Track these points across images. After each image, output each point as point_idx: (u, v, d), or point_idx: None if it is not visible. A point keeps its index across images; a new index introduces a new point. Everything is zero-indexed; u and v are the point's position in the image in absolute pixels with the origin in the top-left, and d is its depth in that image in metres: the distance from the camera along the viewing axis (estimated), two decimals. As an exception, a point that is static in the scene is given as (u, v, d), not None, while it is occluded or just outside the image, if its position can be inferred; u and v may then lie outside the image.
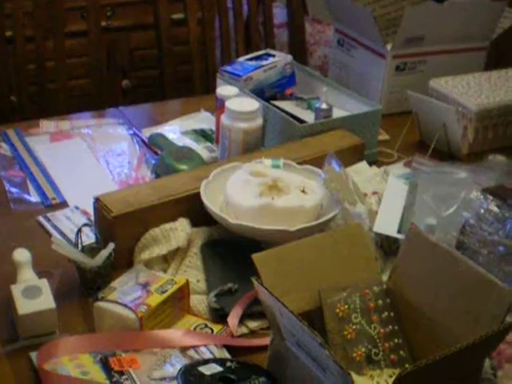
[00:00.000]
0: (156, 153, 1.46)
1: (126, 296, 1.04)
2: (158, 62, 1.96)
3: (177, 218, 1.19)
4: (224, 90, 1.41)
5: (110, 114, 1.66)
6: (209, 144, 1.48)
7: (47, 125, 1.56)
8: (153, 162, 1.43)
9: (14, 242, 1.22)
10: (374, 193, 1.32)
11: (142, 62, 2.38)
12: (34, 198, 1.34)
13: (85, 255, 1.11)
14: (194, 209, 1.20)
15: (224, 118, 1.35)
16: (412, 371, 0.77)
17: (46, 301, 1.03)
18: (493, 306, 0.88)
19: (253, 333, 1.07)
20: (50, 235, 1.23)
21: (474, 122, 1.53)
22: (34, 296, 1.03)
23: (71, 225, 1.26)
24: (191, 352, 1.01)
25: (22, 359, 1.01)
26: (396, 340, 0.97)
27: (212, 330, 1.06)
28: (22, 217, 1.30)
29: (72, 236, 1.20)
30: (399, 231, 1.20)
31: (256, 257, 0.92)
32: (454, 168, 1.20)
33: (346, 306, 0.94)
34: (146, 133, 1.53)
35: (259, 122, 1.35)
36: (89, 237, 1.20)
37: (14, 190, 1.35)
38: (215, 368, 0.93)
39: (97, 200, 1.18)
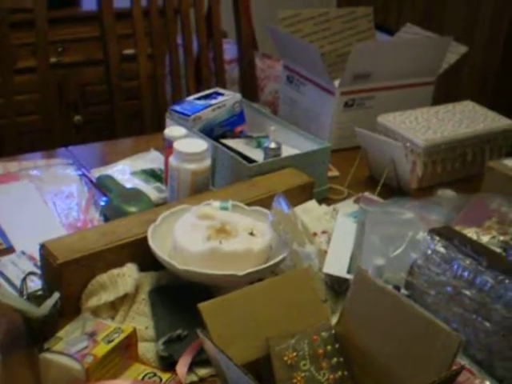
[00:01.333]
0: (105, 194, 1.45)
1: (72, 346, 1.02)
2: (109, 97, 1.95)
3: (125, 263, 1.17)
4: (172, 130, 1.41)
5: (60, 154, 1.64)
6: (158, 184, 1.47)
7: (-6, 166, 1.54)
8: (101, 203, 1.42)
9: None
10: (324, 232, 1.32)
11: (94, 97, 2.37)
12: (-21, 244, 1.31)
13: (31, 304, 1.09)
14: (142, 253, 1.18)
15: (172, 160, 1.34)
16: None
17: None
18: (440, 351, 0.89)
19: (202, 380, 1.06)
20: (-6, 282, 1.21)
21: (423, 157, 1.55)
22: (-23, 347, 1.01)
23: (18, 271, 1.23)
24: (138, 404, 1.00)
25: (-35, 416, 0.98)
26: (346, 385, 0.97)
27: (160, 379, 1.05)
28: (-33, 264, 1.27)
29: (18, 283, 1.18)
30: (349, 271, 1.20)
31: (202, 306, 0.91)
32: (401, 208, 1.21)
33: (295, 354, 0.94)
34: (96, 173, 1.52)
35: (207, 162, 1.35)
36: (35, 283, 1.18)
37: (-42, 236, 1.33)
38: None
39: (42, 246, 1.16)
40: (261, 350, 0.93)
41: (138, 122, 1.97)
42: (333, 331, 0.98)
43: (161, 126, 1.58)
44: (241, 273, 1.09)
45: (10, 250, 1.31)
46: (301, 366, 0.94)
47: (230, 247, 1.13)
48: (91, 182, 1.50)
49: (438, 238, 1.06)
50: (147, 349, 1.09)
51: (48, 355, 1.01)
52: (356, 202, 1.47)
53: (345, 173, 1.59)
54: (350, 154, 1.63)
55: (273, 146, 1.44)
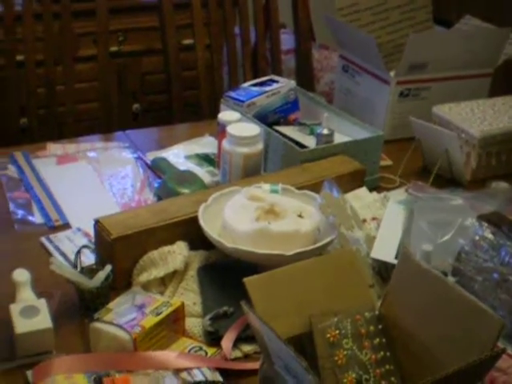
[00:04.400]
0: (159, 176, 1.48)
1: (121, 317, 1.05)
2: (167, 86, 1.99)
3: (175, 241, 1.20)
4: (226, 115, 1.43)
5: (116, 138, 1.68)
6: (211, 168, 1.50)
7: (54, 148, 1.59)
8: (155, 185, 1.45)
9: (16, 262, 1.23)
10: (374, 219, 1.33)
11: (153, 86, 2.41)
12: (37, 219, 1.36)
13: (84, 276, 1.13)
14: (192, 232, 1.21)
15: (225, 143, 1.37)
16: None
17: (43, 320, 1.04)
18: (482, 334, 0.88)
19: (246, 357, 1.08)
20: (51, 256, 1.26)
21: (477, 148, 1.53)
22: (32, 315, 1.05)
23: (73, 246, 1.27)
24: (184, 374, 1.02)
25: (18, 377, 1.02)
26: (387, 366, 0.97)
27: (206, 353, 1.07)
28: (25, 238, 1.31)
29: (73, 257, 1.22)
30: (397, 257, 1.20)
31: (248, 281, 0.93)
32: (451, 195, 1.20)
33: (337, 332, 0.95)
34: (151, 157, 1.55)
35: (260, 147, 1.37)
36: (89, 258, 1.22)
37: (18, 211, 1.38)
38: (206, 388, 0.94)
39: (97, 222, 1.20)
40: (303, 326, 0.94)
41: (195, 111, 2.00)
42: (376, 312, 0.99)
43: (217, 114, 1.61)
44: (288, 253, 1.11)
45: (66, 226, 1.35)
46: (343, 344, 0.95)
47: (278, 228, 1.14)
48: (146, 164, 1.54)
49: (486, 225, 1.06)
50: (194, 324, 1.11)
51: (98, 325, 1.04)
52: (407, 191, 1.47)
53: (398, 163, 1.59)
54: (404, 145, 1.62)
55: (325, 132, 1.45)
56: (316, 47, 2.13)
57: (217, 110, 1.87)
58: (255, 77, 1.96)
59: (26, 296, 1.09)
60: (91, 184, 1.48)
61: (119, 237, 1.17)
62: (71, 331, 1.11)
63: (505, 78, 1.80)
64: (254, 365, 1.04)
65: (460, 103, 1.63)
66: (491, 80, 1.76)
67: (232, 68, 2.02)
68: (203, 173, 1.47)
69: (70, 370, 1.00)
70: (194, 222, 1.21)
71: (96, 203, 1.41)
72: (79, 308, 1.15)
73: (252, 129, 1.37)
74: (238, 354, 1.08)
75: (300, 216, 1.19)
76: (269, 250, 1.12)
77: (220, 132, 1.42)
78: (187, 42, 2.04)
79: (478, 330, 0.89)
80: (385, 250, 1.22)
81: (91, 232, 1.29)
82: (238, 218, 1.17)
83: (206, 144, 1.61)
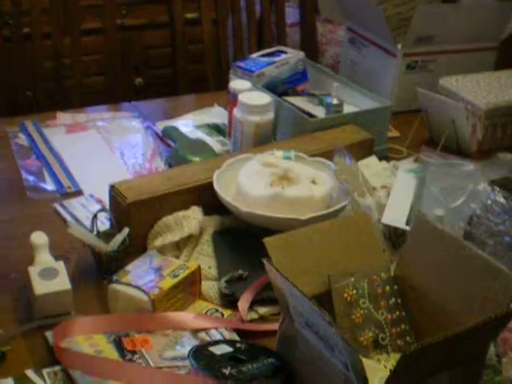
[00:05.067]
0: (169, 145, 1.49)
1: (139, 279, 1.07)
2: (172, 60, 1.99)
3: (189, 206, 1.21)
4: (237, 84, 1.44)
5: (125, 108, 1.69)
6: (221, 138, 1.51)
7: (63, 117, 1.59)
8: (166, 153, 1.46)
9: (31, 227, 1.25)
10: (383, 187, 1.34)
11: (156, 60, 2.41)
12: (49, 186, 1.37)
13: (100, 240, 1.14)
14: (206, 198, 1.22)
15: (236, 112, 1.38)
16: (416, 351, 0.79)
17: (61, 282, 1.06)
18: (498, 293, 0.90)
19: (262, 318, 1.10)
20: (65, 221, 1.27)
21: (483, 120, 1.55)
22: (51, 277, 1.06)
23: (86, 212, 1.28)
24: (202, 334, 1.03)
25: (37, 338, 1.03)
26: (403, 326, 0.99)
27: (222, 315, 1.09)
28: (39, 204, 1.33)
29: (87, 223, 1.23)
30: (407, 223, 1.22)
31: (267, 241, 0.94)
32: (463, 161, 1.22)
33: (354, 291, 0.96)
34: (160, 126, 1.56)
35: (271, 115, 1.38)
36: (103, 223, 1.23)
37: (30, 178, 1.38)
38: (225, 348, 0.95)
39: (112, 187, 1.21)
40: (322, 285, 0.96)
41: (201, 85, 2.00)
42: (391, 273, 1.01)
43: (223, 87, 1.62)
44: (303, 217, 1.12)
45: (78, 193, 1.36)
46: (360, 303, 0.97)
47: (292, 193, 1.16)
48: (156, 133, 1.55)
49: (498, 189, 1.08)
50: (210, 287, 1.13)
51: (116, 286, 1.06)
52: (416, 160, 1.49)
53: (404, 134, 1.60)
54: (410, 117, 1.64)
55: (335, 102, 1.46)
56: (320, 21, 2.14)
57: (223, 84, 1.88)
58: (260, 50, 1.97)
59: (45, 258, 1.10)
60: (102, 152, 1.49)
61: (134, 201, 1.18)
62: (89, 293, 1.12)
63: (510, 51, 1.81)
64: (270, 326, 1.05)
65: (466, 75, 1.65)
66: (497, 53, 1.78)
67: (237, 41, 2.02)
68: (213, 142, 1.48)
69: (89, 331, 1.01)
70: (208, 187, 1.22)
71: (107, 171, 1.42)
72: (95, 271, 1.16)
73: (263, 97, 1.38)
74: (253, 315, 1.09)
75: (313, 182, 1.20)
76: (283, 214, 1.14)
77: (231, 101, 1.43)
78: (192, 15, 2.04)
79: (492, 289, 0.91)
80: (395, 216, 1.24)
81: (104, 199, 1.31)
82: (252, 183, 1.19)
83: (216, 114, 1.62)
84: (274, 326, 1.05)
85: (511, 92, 1.60)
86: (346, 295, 0.96)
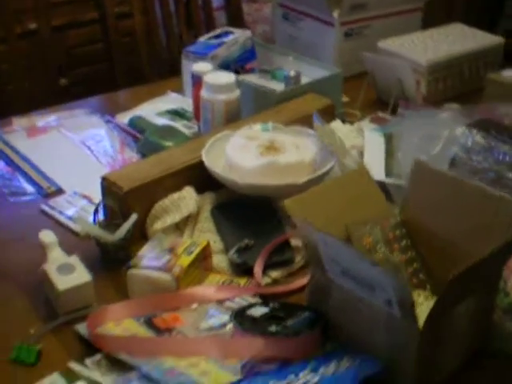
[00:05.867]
0: (135, 136, 1.51)
1: (156, 261, 1.09)
2: (107, 55, 1.99)
3: (181, 187, 1.24)
4: (200, 66, 1.48)
5: (75, 106, 1.68)
6: (185, 122, 1.54)
7: (19, 121, 1.57)
8: (136, 143, 1.47)
9: (24, 230, 1.25)
10: (353, 147, 1.41)
11: (79, 60, 2.39)
12: (28, 189, 1.36)
13: (105, 231, 1.16)
14: (196, 177, 1.25)
15: (204, 93, 1.41)
16: (454, 280, 0.86)
17: (81, 275, 1.07)
18: (502, 219, 0.99)
19: (275, 282, 1.15)
20: (55, 221, 1.27)
21: (426, 75, 1.65)
22: (69, 272, 1.07)
23: (75, 208, 1.29)
24: (228, 303, 1.07)
25: (67, 333, 1.04)
26: (415, 265, 1.07)
27: (239, 284, 1.13)
28: (24, 207, 1.32)
29: (81, 218, 1.25)
30: (387, 175, 1.30)
31: (287, 203, 0.99)
32: (434, 111, 1.31)
33: (371, 238, 1.03)
34: (120, 118, 1.57)
35: (237, 92, 1.42)
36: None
37: (6, 184, 1.37)
38: (261, 310, 0.99)
39: (104, 179, 1.22)
40: (342, 236, 1.02)
41: (137, 76, 2.01)
42: (398, 218, 1.08)
43: (163, 76, 1.65)
44: (299, 181, 1.18)
45: (59, 191, 1.36)
46: (377, 249, 1.04)
47: (284, 160, 1.21)
48: (118, 126, 1.55)
49: (475, 131, 1.17)
50: (219, 260, 1.17)
51: (136, 271, 1.08)
52: (372, 121, 1.57)
53: (353, 98, 1.68)
54: (354, 82, 1.71)
55: (292, 73, 1.52)
56: (245, 1, 2.19)
57: (162, 72, 1.91)
58: (191, 34, 2.01)
59: (58, 255, 1.11)
60: (69, 150, 1.49)
61: (130, 189, 1.19)
62: (102, 284, 1.13)
63: (434, 10, 1.92)
64: (288, 287, 1.11)
65: (401, 37, 1.74)
66: (422, 13, 1.88)
67: (169, 28, 2.04)
68: (179, 126, 1.51)
69: (122, 316, 1.03)
70: (196, 167, 1.25)
71: (82, 167, 1.43)
72: (101, 262, 1.17)
73: (227, 76, 1.42)
74: (267, 280, 1.14)
75: (297, 148, 1.26)
76: (279, 181, 1.19)
77: (195, 83, 1.46)
78: (120, 9, 2.05)
79: (494, 214, 0.99)
80: (374, 170, 1.31)
81: (88, 194, 1.32)
82: (241, 156, 1.23)
83: (171, 100, 1.64)
84: (291, 287, 1.11)
85: (445, 47, 1.71)
86: (364, 243, 1.02)
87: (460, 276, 0.86)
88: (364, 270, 0.88)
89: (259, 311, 0.99)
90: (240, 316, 0.98)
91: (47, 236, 1.12)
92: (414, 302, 0.85)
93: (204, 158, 1.24)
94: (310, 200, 1.02)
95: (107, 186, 1.22)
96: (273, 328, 0.94)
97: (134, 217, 1.14)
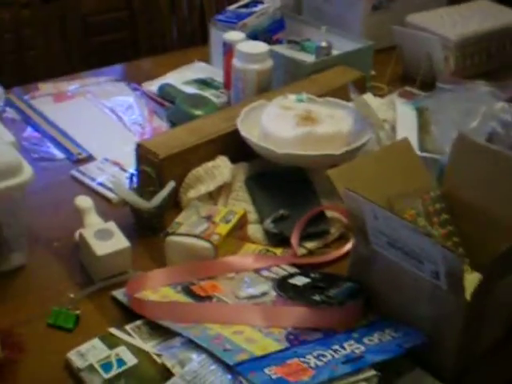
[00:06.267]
0: (163, 104, 1.49)
1: (194, 228, 1.08)
2: (130, 22, 1.97)
3: (215, 156, 1.23)
4: (231, 35, 1.46)
5: (99, 73, 1.67)
6: (214, 91, 1.53)
7: (46, 87, 1.56)
8: (166, 111, 1.46)
9: (55, 196, 1.24)
10: (384, 121, 1.40)
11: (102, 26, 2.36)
12: (58, 155, 1.35)
13: (140, 197, 1.15)
14: (230, 146, 1.25)
15: (236, 62, 1.40)
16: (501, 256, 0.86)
17: (120, 241, 1.06)
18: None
19: (311, 253, 1.14)
20: (86, 188, 1.26)
21: (454, 51, 1.63)
22: (107, 238, 1.06)
23: (106, 175, 1.28)
24: (265, 273, 1.07)
25: (104, 299, 1.04)
26: (454, 239, 1.06)
27: (275, 254, 1.12)
28: (54, 173, 1.31)
29: (110, 185, 1.24)
30: (421, 150, 1.29)
31: (331, 173, 0.99)
32: (473, 85, 1.30)
33: (413, 211, 1.03)
34: (147, 86, 1.56)
35: (270, 62, 1.41)
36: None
37: (35, 149, 1.36)
38: (303, 279, 0.99)
39: (139, 146, 1.21)
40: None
41: (162, 44, 1.99)
42: (438, 192, 1.07)
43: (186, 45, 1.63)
44: (338, 152, 1.17)
45: (89, 158, 1.35)
46: (418, 222, 1.03)
47: (322, 130, 1.20)
48: (145, 93, 1.54)
49: (515, 106, 1.16)
50: (254, 230, 1.16)
51: (175, 238, 1.07)
52: (401, 95, 1.55)
53: (379, 72, 1.66)
54: (380, 55, 1.70)
55: (324, 44, 1.51)
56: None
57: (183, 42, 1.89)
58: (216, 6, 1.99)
59: (94, 220, 1.10)
60: (97, 117, 1.47)
61: (166, 157, 1.19)
62: (136, 251, 1.11)
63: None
64: (325, 257, 1.11)
65: (429, 12, 1.73)
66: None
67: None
68: (208, 96, 1.49)
69: (161, 283, 1.03)
70: (230, 136, 1.24)
71: (111, 134, 1.42)
72: (135, 230, 1.16)
73: (261, 46, 1.41)
74: (303, 251, 1.13)
75: (334, 119, 1.25)
76: (316, 151, 1.18)
77: (226, 52, 1.45)
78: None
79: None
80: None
81: (119, 161, 1.31)
82: (278, 126, 1.22)
83: (199, 69, 1.62)
84: (328, 257, 1.11)
85: (473, 23, 1.70)
86: (406, 216, 1.02)
87: (508, 252, 0.85)
88: (413, 241, 0.88)
89: (301, 281, 0.99)
90: (283, 285, 0.98)
91: (84, 201, 1.11)
92: (463, 274, 0.85)
93: (239, 127, 1.23)
94: (352, 171, 1.02)
95: (142, 153, 1.21)
96: (317, 297, 0.94)
97: (171, 185, 1.14)
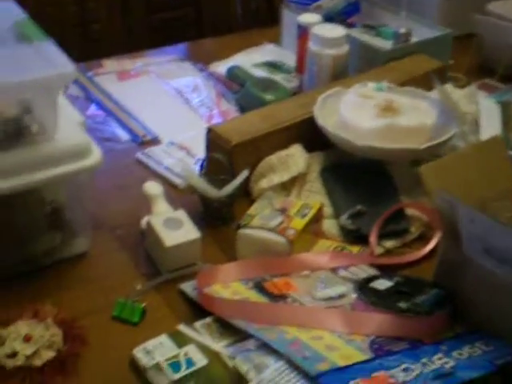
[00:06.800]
0: (231, 87, 1.43)
1: (268, 221, 1.02)
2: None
3: (288, 145, 1.17)
4: (306, 17, 1.39)
5: (162, 52, 1.61)
6: (284, 75, 1.46)
7: (110, 64, 1.51)
8: (232, 95, 1.40)
9: (121, 179, 1.19)
10: (466, 114, 1.32)
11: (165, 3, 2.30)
12: (122, 136, 1.30)
13: (210, 186, 1.09)
14: (305, 135, 1.18)
15: (312, 45, 1.32)
16: None
17: (189, 231, 1.01)
18: None
19: (388, 252, 1.07)
20: (152, 172, 1.21)
21: (539, 42, 1.54)
22: (176, 227, 1.01)
23: (173, 160, 1.22)
24: (342, 273, 1.00)
25: (170, 291, 0.98)
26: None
27: (351, 252, 1.06)
28: (119, 154, 1.26)
29: (177, 170, 1.18)
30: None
31: (423, 169, 0.92)
32: None
33: (509, 214, 0.95)
34: (214, 68, 1.49)
35: (346, 48, 1.34)
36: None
37: (99, 128, 1.31)
38: (385, 283, 0.92)
39: (210, 130, 1.15)
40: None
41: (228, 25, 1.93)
42: (533, 195, 0.99)
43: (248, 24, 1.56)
44: (421, 146, 1.09)
45: (155, 141, 1.29)
46: (512, 224, 0.96)
47: (405, 122, 1.13)
48: (211, 75, 1.48)
49: None
50: (329, 225, 1.09)
51: (248, 231, 1.01)
52: (479, 88, 1.47)
53: (456, 62, 1.57)
54: (456, 44, 1.61)
55: (403, 31, 1.43)
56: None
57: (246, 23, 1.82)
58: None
59: (163, 208, 1.05)
60: (163, 97, 1.42)
61: (239, 143, 1.12)
62: (206, 241, 1.06)
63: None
64: (407, 257, 1.04)
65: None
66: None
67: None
68: (279, 79, 1.43)
69: (232, 277, 0.97)
70: (305, 124, 1.18)
71: (176, 116, 1.36)
72: (204, 218, 1.10)
73: (337, 30, 1.33)
74: (380, 250, 1.07)
75: (416, 111, 1.17)
76: (397, 144, 1.11)
77: (301, 35, 1.38)
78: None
79: None
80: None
81: (186, 145, 1.26)
82: (357, 116, 1.15)
83: (268, 52, 1.56)
84: (408, 258, 1.04)
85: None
86: (501, 218, 0.94)
87: None
88: (514, 249, 0.80)
89: (383, 284, 0.92)
90: (364, 288, 0.91)
91: (153, 187, 1.06)
92: None
93: (316, 115, 1.16)
94: (444, 168, 0.95)
95: (213, 138, 1.15)
96: (403, 304, 0.87)
97: (245, 173, 1.07)
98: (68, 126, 0.96)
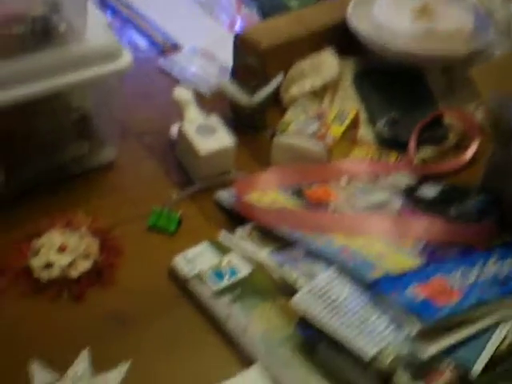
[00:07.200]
0: (251, -5, 1.36)
1: (304, 129, 0.98)
2: None
3: (321, 49, 1.12)
4: None
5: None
6: (306, -20, 1.39)
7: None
8: (253, 1, 1.33)
9: (145, 87, 1.14)
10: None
11: None
12: (141, 44, 1.24)
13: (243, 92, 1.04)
14: (336, 40, 1.13)
15: None
16: None
17: (223, 138, 0.97)
18: None
19: (425, 160, 1.04)
20: (175, 80, 1.16)
21: None
22: (210, 134, 0.97)
23: (196, 67, 1.17)
24: (382, 181, 0.97)
25: (204, 200, 0.95)
26: None
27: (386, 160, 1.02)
28: (140, 63, 1.18)
29: (204, 77, 1.14)
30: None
31: (474, 71, 0.87)
32: None
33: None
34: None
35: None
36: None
37: (118, 37, 1.24)
38: (433, 191, 0.90)
39: (238, 35, 1.10)
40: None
41: None
42: None
43: None
44: (462, 52, 1.05)
45: (175, 47, 1.23)
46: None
47: (442, 26, 1.08)
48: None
49: None
50: (365, 132, 1.06)
51: (285, 139, 0.97)
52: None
53: None
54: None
55: None
56: None
57: None
58: None
59: (195, 115, 1.00)
60: (181, 3, 1.35)
61: (270, 46, 1.07)
62: (238, 149, 1.01)
63: None
64: (452, 165, 1.01)
65: None
66: None
67: None
68: (301, -15, 1.36)
69: (268, 185, 0.94)
70: (338, 29, 1.12)
71: (195, 21, 1.29)
72: (235, 126, 1.06)
73: None
74: (416, 159, 1.03)
75: (453, 15, 1.12)
76: (435, 50, 1.06)
77: None
78: None
79: None
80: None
81: (209, 50, 1.20)
82: (393, 19, 1.09)
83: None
84: (448, 166, 1.01)
85: None
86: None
87: None
88: None
89: (430, 192, 0.89)
90: (410, 195, 0.88)
91: (183, 93, 1.01)
92: None
93: (350, 19, 1.11)
94: (496, 69, 0.90)
95: (243, 42, 1.09)
96: (452, 211, 0.84)
97: (278, 78, 1.03)
98: (97, 26, 0.90)
